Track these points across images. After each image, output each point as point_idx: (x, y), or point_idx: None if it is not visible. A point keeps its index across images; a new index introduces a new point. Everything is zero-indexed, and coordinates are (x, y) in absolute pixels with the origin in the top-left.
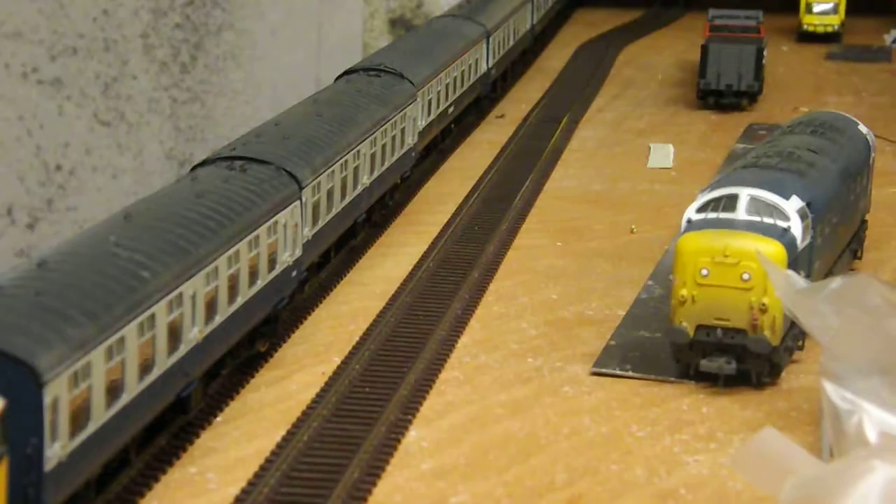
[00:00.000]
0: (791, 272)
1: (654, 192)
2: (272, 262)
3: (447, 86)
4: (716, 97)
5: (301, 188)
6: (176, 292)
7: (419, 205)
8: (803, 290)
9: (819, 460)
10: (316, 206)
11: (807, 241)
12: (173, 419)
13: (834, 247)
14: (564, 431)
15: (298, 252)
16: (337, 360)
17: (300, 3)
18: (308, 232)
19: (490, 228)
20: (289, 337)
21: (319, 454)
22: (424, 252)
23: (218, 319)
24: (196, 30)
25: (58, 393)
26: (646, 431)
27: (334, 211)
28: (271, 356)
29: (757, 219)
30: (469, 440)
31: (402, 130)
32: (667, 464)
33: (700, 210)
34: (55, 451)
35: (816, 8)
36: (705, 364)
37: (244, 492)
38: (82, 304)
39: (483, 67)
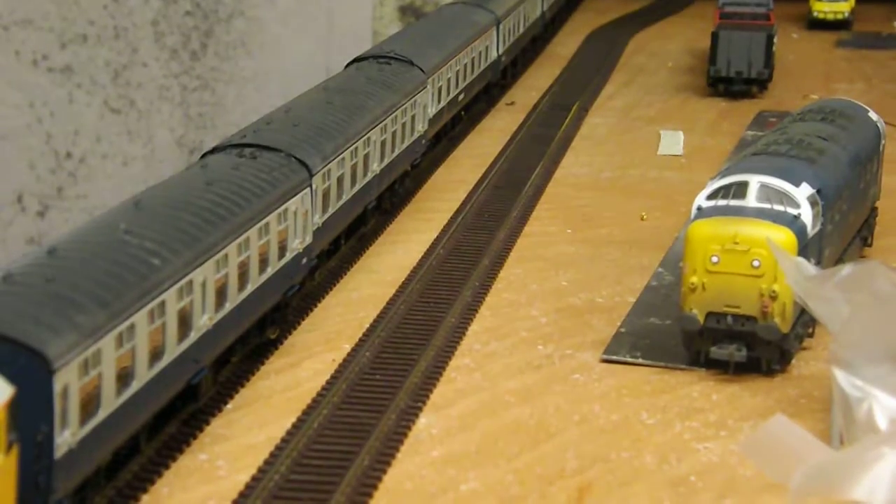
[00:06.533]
0: (801, 259)
1: (665, 179)
2: (282, 250)
3: (457, 73)
4: (726, 84)
5: (311, 175)
6: (186, 279)
7: (429, 192)
8: (813, 278)
9: (829, 448)
10: (326, 194)
11: (817, 229)
12: (183, 406)
13: (844, 234)
14: (574, 419)
15: (308, 239)
16: (347, 348)
17: None
18: (318, 219)
19: (500, 216)
20: (299, 324)
21: (329, 441)
22: (435, 239)
23: (228, 307)
24: (206, 17)
25: (68, 380)
26: (656, 419)
27: (344, 198)
28: (281, 343)
29: (767, 206)
30: (479, 427)
31: (413, 118)
32: (677, 451)
33: (710, 197)
34: (65, 438)
35: None
36: (716, 351)
37: (254, 479)
38: (92, 292)
39: (493, 55)
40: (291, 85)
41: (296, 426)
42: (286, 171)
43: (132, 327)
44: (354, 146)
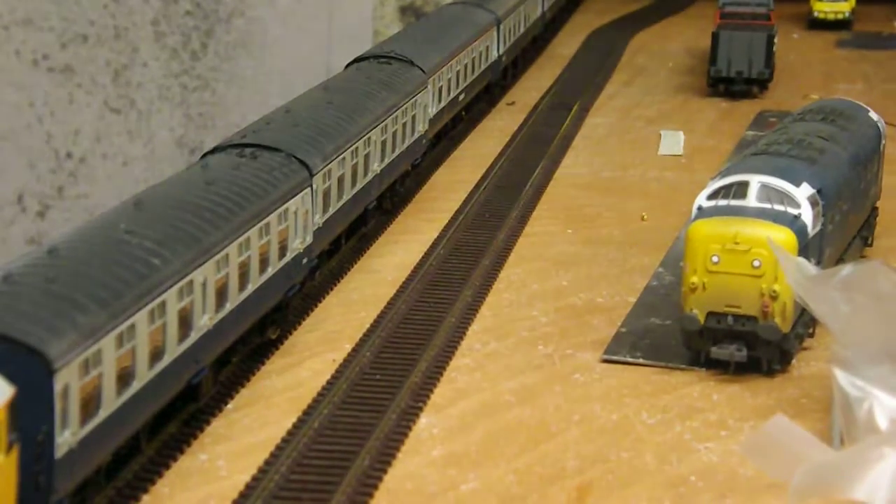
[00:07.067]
0: (802, 259)
1: (665, 179)
2: (283, 250)
3: (458, 73)
4: (726, 84)
5: (311, 175)
6: (186, 279)
7: (430, 192)
8: (814, 278)
9: (830, 447)
10: (326, 194)
11: (817, 229)
12: (184, 406)
13: (844, 234)
14: (575, 419)
15: (309, 239)
16: (348, 348)
17: None
18: (319, 219)
19: (501, 216)
20: (300, 324)
21: (330, 441)
22: (435, 239)
23: (228, 307)
24: (206, 17)
25: (68, 380)
26: (656, 419)
27: (345, 198)
28: (282, 343)
29: (768, 206)
30: (480, 427)
31: (413, 118)
32: (677, 451)
33: (711, 197)
34: (66, 438)
35: None
36: (716, 351)
37: (255, 479)
38: (93, 292)
39: (494, 55)
40: (292, 85)
41: (296, 426)
42: (287, 171)
43: (132, 327)
44: (355, 146)
